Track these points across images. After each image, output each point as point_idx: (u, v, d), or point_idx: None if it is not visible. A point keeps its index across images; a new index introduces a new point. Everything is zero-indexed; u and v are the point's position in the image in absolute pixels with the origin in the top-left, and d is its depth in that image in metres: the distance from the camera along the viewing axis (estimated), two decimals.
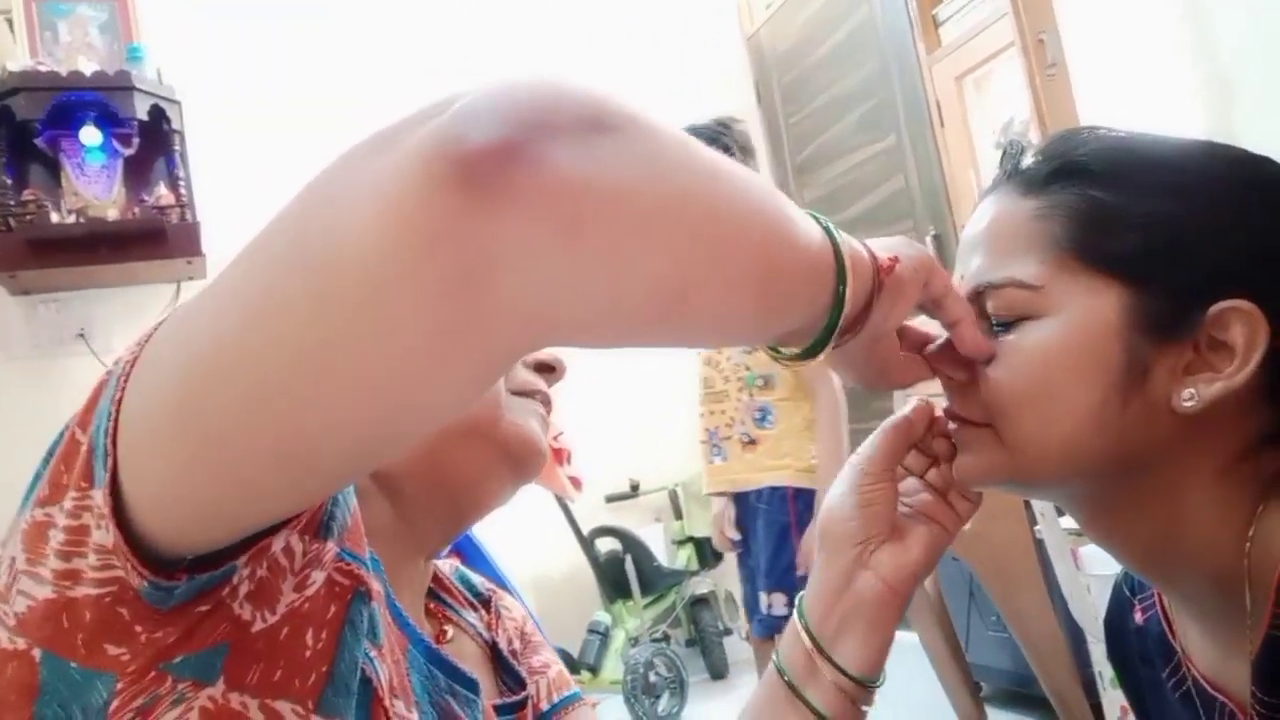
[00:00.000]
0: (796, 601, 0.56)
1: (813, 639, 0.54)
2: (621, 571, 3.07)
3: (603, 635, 3.00)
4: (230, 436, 0.31)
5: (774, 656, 0.56)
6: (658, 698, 2.87)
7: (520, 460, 0.57)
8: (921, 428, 0.56)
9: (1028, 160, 0.55)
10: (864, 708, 0.54)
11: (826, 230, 0.42)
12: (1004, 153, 0.56)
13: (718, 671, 3.20)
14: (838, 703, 0.53)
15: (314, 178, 0.31)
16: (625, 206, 0.31)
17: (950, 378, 0.54)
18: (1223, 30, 2.02)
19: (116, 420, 0.34)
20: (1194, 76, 2.08)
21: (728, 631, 3.27)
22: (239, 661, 0.38)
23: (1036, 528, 1.77)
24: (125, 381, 0.34)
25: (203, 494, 0.33)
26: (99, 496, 0.34)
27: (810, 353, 0.45)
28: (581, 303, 0.31)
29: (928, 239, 2.97)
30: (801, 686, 0.53)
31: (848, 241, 0.44)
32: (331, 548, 0.42)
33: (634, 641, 2.99)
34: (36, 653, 0.35)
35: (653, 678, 2.87)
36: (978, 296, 0.53)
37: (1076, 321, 0.50)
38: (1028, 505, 1.80)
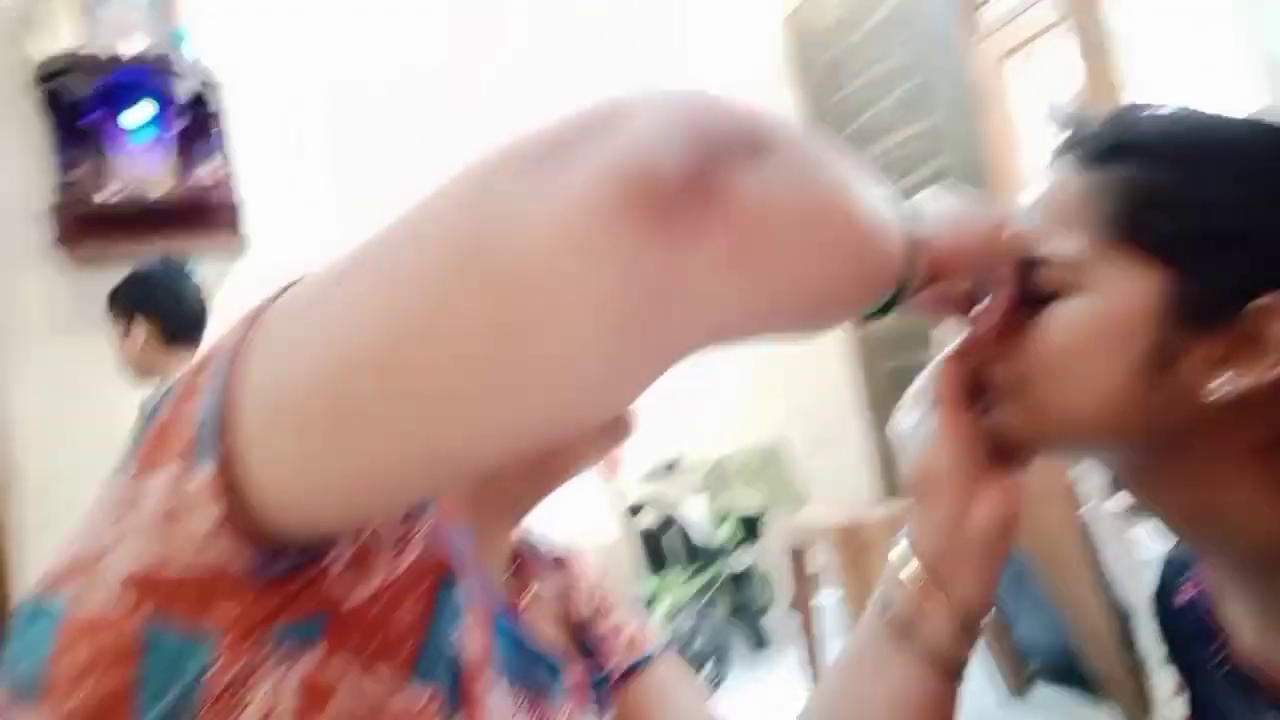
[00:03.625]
0: (900, 540, 0.55)
1: (925, 576, 0.53)
2: (663, 544, 3.10)
3: (646, 606, 3.04)
4: (386, 437, 0.31)
5: (874, 598, 0.55)
6: (701, 666, 2.92)
7: (616, 423, 0.58)
8: (974, 356, 0.56)
9: (1089, 131, 0.54)
10: (971, 649, 0.53)
11: (903, 216, 0.43)
12: (1066, 120, 0.56)
13: (760, 645, 3.25)
14: (949, 641, 0.52)
15: (466, 184, 0.30)
16: (791, 229, 0.32)
17: (984, 338, 0.55)
18: (1275, 4, 2.00)
19: (228, 403, 0.34)
20: (1245, 52, 2.07)
21: (769, 605, 3.31)
22: (337, 630, 0.38)
23: (1084, 508, 1.78)
24: (238, 366, 0.34)
25: (344, 485, 0.33)
26: (204, 476, 0.34)
27: (870, 317, 0.47)
28: (745, 318, 0.33)
29: None
30: (909, 627, 0.53)
31: (919, 230, 0.45)
32: (425, 522, 0.43)
33: (676, 613, 3.03)
34: (138, 616, 0.35)
35: (696, 647, 2.92)
36: (1022, 264, 0.53)
37: (1112, 303, 0.50)
38: (1076, 487, 1.82)
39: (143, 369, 2.04)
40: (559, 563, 0.71)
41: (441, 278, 0.29)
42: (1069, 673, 2.25)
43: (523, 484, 0.58)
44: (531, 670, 0.55)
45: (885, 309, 0.45)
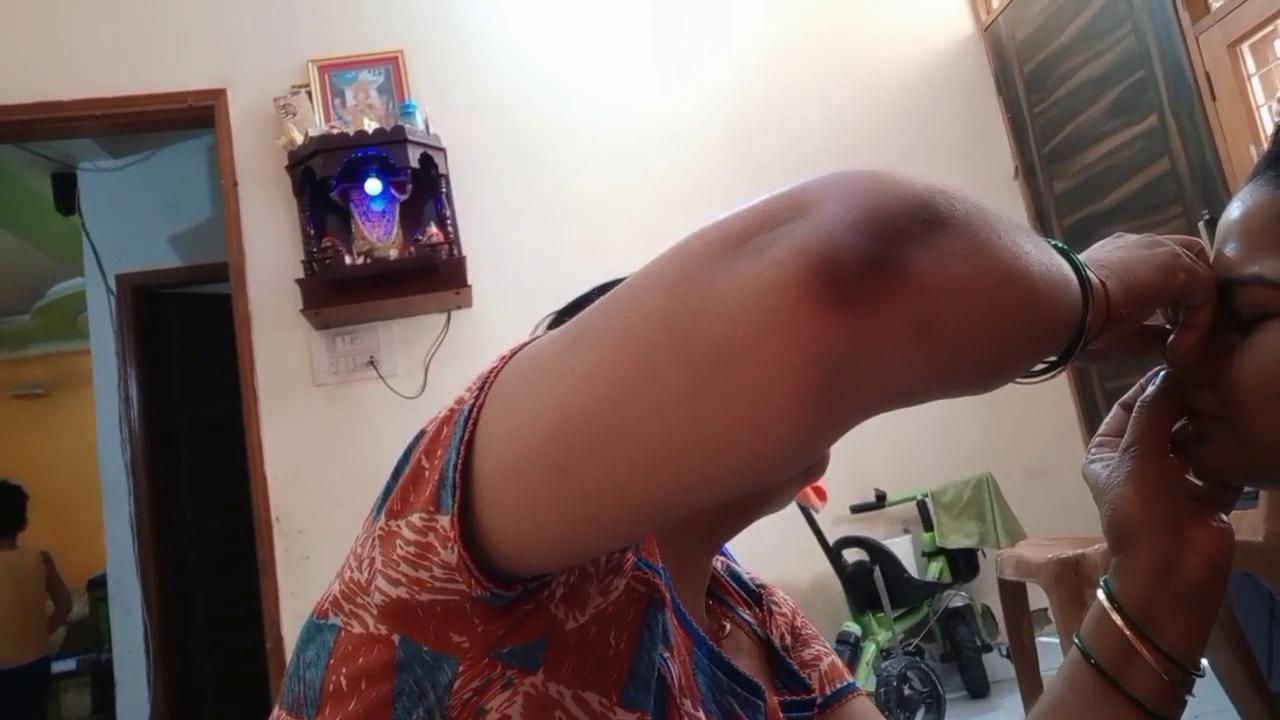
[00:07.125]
0: (1103, 585, 0.54)
1: (1134, 625, 0.51)
2: (870, 582, 3.02)
3: (853, 646, 2.96)
4: (600, 492, 0.35)
5: (1076, 643, 0.54)
6: (913, 712, 2.80)
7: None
8: (1182, 396, 0.54)
9: None
10: (1186, 696, 0.52)
11: (1076, 268, 0.44)
12: (1274, 133, 0.52)
13: (977, 689, 3.07)
14: (1160, 691, 0.50)
15: (669, 267, 0.34)
16: (967, 299, 0.34)
17: (1186, 369, 0.53)
18: None
19: (466, 458, 0.39)
20: None
21: (987, 648, 3.13)
22: (556, 654, 0.43)
23: None
24: (474, 426, 0.39)
25: (564, 531, 0.38)
26: (446, 521, 0.39)
27: (1050, 369, 0.48)
28: (924, 384, 0.35)
29: (1200, 224, 2.71)
30: (1117, 676, 0.51)
31: (1093, 279, 0.45)
32: (630, 557, 0.48)
33: (885, 654, 2.94)
34: (395, 637, 0.42)
35: (907, 691, 2.80)
36: (1223, 289, 0.51)
37: None
38: None
39: None
40: (755, 595, 0.74)
41: (649, 353, 0.33)
42: None
43: (719, 520, 0.63)
44: (731, 697, 0.58)
45: (1066, 357, 0.45)
